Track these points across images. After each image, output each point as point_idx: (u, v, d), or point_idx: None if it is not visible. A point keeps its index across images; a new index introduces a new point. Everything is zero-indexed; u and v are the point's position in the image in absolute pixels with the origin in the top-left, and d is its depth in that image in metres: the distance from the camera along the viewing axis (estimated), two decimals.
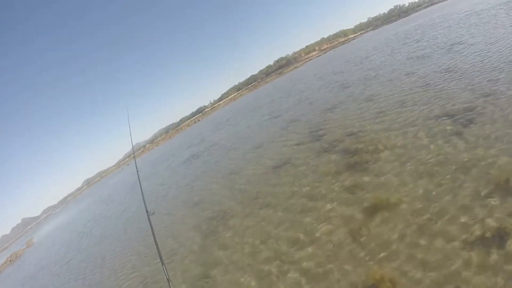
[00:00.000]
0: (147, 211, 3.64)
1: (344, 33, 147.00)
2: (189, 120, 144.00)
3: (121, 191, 31.21)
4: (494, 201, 3.95)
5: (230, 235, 6.93)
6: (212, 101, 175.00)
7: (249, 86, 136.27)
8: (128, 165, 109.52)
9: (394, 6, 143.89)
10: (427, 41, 19.86)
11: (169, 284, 2.28)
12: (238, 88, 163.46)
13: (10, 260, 29.96)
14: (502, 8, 20.00)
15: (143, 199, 4.18)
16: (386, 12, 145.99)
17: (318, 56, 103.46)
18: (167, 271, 2.35)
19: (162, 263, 2.40)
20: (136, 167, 5.50)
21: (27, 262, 23.61)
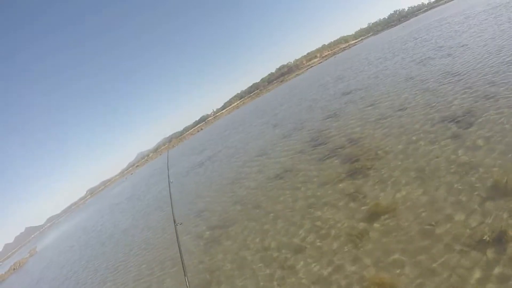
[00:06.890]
0: (174, 221, 3.69)
1: (344, 39, 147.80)
2: (192, 129, 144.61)
3: (124, 200, 31.16)
4: (494, 204, 3.95)
5: (231, 242, 6.96)
6: (214, 110, 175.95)
7: (252, 94, 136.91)
8: (132, 174, 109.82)
9: (394, 11, 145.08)
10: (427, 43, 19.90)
11: None
12: (240, 96, 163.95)
13: (14, 269, 29.98)
14: (489, 11, 20.05)
15: (172, 210, 4.23)
16: (386, 17, 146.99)
17: (319, 63, 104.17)
18: (188, 281, 2.29)
19: (185, 274, 2.34)
20: (169, 179, 5.71)
21: (30, 270, 23.60)
